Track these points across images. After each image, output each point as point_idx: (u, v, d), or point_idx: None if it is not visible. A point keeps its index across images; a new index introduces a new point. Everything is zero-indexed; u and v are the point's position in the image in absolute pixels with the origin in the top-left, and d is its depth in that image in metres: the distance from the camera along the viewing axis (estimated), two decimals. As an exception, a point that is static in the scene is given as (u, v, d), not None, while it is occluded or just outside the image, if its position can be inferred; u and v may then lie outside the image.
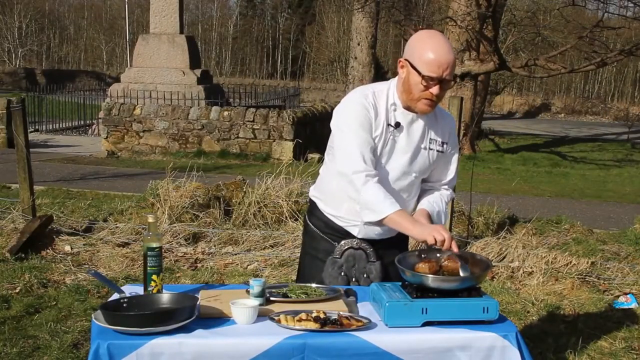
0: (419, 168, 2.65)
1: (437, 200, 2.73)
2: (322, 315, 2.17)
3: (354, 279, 2.69)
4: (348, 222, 2.67)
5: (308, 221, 2.83)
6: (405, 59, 2.52)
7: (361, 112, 2.54)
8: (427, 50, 2.45)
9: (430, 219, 2.63)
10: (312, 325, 2.12)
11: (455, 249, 2.37)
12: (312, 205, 2.82)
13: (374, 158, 2.55)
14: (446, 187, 2.81)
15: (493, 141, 17.82)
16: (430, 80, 2.46)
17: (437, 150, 2.67)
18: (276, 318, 2.17)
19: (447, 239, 2.38)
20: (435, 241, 2.39)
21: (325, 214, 2.73)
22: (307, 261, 2.83)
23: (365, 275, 2.68)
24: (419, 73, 2.46)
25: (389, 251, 2.67)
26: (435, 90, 2.48)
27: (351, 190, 2.54)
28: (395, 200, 2.54)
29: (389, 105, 2.59)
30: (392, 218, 2.48)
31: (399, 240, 2.76)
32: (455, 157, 2.77)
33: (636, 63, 36.38)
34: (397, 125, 2.57)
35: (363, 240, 2.68)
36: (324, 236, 2.74)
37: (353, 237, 2.69)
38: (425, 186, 2.78)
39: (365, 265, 2.69)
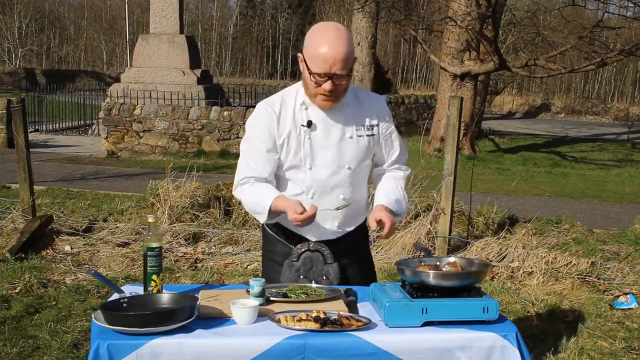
0: (352, 159, 2.58)
1: (392, 189, 2.66)
2: (322, 315, 2.17)
3: (313, 282, 2.65)
4: (300, 229, 2.63)
5: (264, 225, 2.78)
6: (302, 54, 2.48)
7: (260, 124, 2.54)
8: (315, 45, 2.39)
9: (392, 212, 2.57)
10: (312, 325, 2.12)
11: (306, 216, 2.37)
12: None
13: (264, 172, 2.55)
14: (397, 166, 2.74)
15: (493, 141, 17.81)
16: (319, 76, 2.40)
17: (367, 135, 2.60)
18: (276, 318, 2.17)
19: (305, 216, 2.37)
20: (301, 216, 2.39)
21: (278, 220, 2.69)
22: (266, 264, 2.81)
23: (324, 277, 2.64)
24: (308, 69, 2.42)
25: (347, 252, 2.64)
26: (327, 86, 2.42)
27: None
28: (330, 200, 2.56)
29: (297, 105, 2.54)
30: (274, 208, 2.46)
31: (357, 240, 2.73)
32: (394, 135, 2.70)
33: (636, 63, 36.37)
34: (309, 124, 2.52)
35: (319, 241, 2.65)
36: (280, 239, 2.71)
37: (308, 239, 2.66)
38: (377, 171, 2.74)
39: (323, 268, 2.65)
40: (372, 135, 2.61)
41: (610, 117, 30.97)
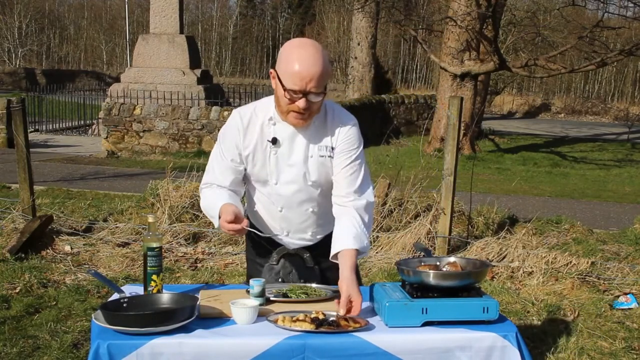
0: (316, 178, 2.54)
1: (347, 225, 2.48)
2: (320, 317, 2.17)
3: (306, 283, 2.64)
4: (275, 236, 2.65)
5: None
6: (275, 70, 2.43)
7: (228, 134, 2.56)
8: (291, 61, 2.34)
9: (356, 267, 2.49)
10: (308, 326, 2.12)
11: (232, 228, 2.37)
12: None
13: (226, 181, 2.56)
14: (354, 197, 2.53)
15: (493, 141, 17.81)
16: (294, 93, 2.36)
17: (329, 156, 2.53)
18: (273, 319, 2.17)
19: (232, 228, 2.36)
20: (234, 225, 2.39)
21: (257, 226, 2.70)
22: (248, 266, 2.83)
23: (303, 281, 2.64)
24: (283, 86, 2.37)
25: (327, 255, 2.60)
26: (301, 103, 2.37)
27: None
28: (299, 214, 2.57)
29: (266, 120, 2.51)
30: (221, 213, 2.44)
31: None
32: (356, 163, 2.53)
33: (636, 63, 36.38)
34: (274, 141, 2.49)
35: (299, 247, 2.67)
36: (261, 242, 2.71)
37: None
38: (334, 203, 2.57)
39: (303, 271, 2.66)
40: (330, 157, 2.53)
41: (610, 117, 30.96)
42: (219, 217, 2.44)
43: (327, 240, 2.61)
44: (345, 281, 2.32)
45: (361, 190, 2.54)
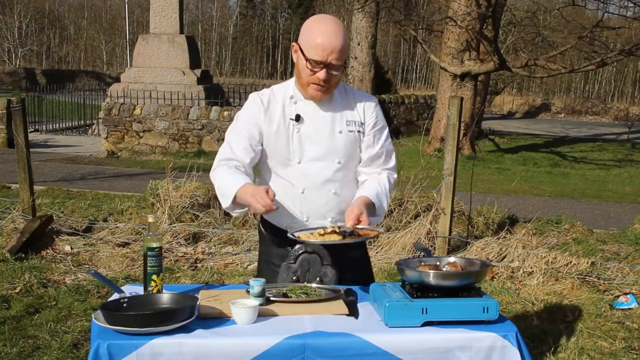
0: (342, 153, 2.58)
1: (373, 185, 2.61)
2: (337, 230, 2.28)
3: (306, 283, 2.64)
4: (292, 227, 2.61)
5: (261, 227, 2.78)
6: (297, 43, 2.52)
7: (248, 113, 2.56)
8: (314, 34, 2.45)
9: (372, 205, 2.54)
10: (336, 237, 2.24)
11: (267, 205, 2.32)
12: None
13: (245, 160, 2.51)
14: (380, 170, 2.68)
15: (493, 141, 17.81)
16: (316, 63, 2.44)
17: (358, 131, 2.60)
18: (295, 235, 2.28)
19: (265, 205, 2.32)
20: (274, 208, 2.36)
21: (273, 223, 2.69)
22: (262, 266, 2.80)
23: (318, 279, 2.64)
24: (305, 56, 2.46)
25: (343, 253, 2.62)
26: (322, 74, 2.45)
27: None
28: (321, 195, 2.55)
29: (287, 98, 2.57)
30: (239, 194, 2.41)
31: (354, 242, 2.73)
32: (384, 137, 2.66)
33: (636, 63, 36.39)
34: (298, 117, 2.54)
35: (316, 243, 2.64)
36: (277, 241, 2.69)
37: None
38: (362, 173, 2.67)
39: (320, 269, 2.65)
40: (360, 132, 2.61)
41: (610, 117, 30.97)
42: (235, 198, 2.41)
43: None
44: (356, 202, 2.47)
45: (390, 166, 2.70)
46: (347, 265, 2.66)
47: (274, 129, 2.54)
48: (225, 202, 2.47)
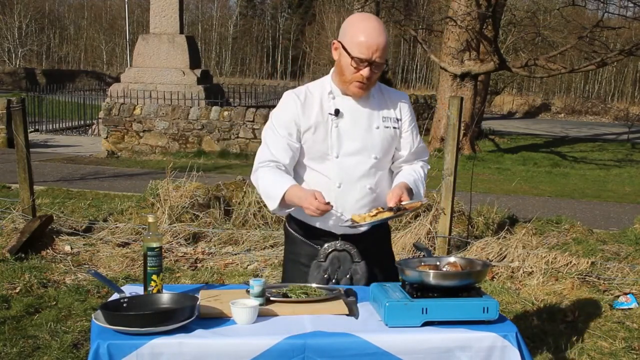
0: (379, 149, 2.61)
1: (410, 172, 2.69)
2: (382, 209, 2.42)
3: (334, 280, 2.65)
4: (325, 223, 2.63)
5: (288, 227, 2.79)
6: (338, 41, 2.53)
7: (285, 112, 2.57)
8: (358, 32, 2.46)
9: (410, 191, 2.59)
10: (389, 214, 2.39)
11: (323, 208, 2.36)
12: (289, 213, 2.75)
13: (284, 159, 2.53)
14: (415, 160, 2.76)
15: (493, 141, 17.82)
16: (360, 61, 2.46)
17: (393, 127, 2.64)
18: (346, 219, 2.41)
19: (319, 204, 2.35)
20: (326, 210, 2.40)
21: (299, 219, 2.69)
22: (289, 267, 2.79)
23: (348, 276, 2.65)
24: (349, 54, 2.47)
25: (372, 250, 2.65)
26: (365, 72, 2.48)
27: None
28: (357, 190, 2.57)
29: (325, 94, 2.59)
30: (287, 196, 2.44)
31: (382, 237, 2.75)
32: (415, 132, 2.73)
33: (636, 63, 36.39)
34: (337, 112, 2.56)
35: (347, 241, 2.65)
36: (306, 240, 2.70)
37: (336, 238, 2.65)
38: (396, 165, 2.74)
39: (350, 266, 2.66)
40: (396, 128, 2.65)
41: (610, 117, 30.97)
42: (281, 200, 2.45)
43: (374, 232, 2.65)
44: (395, 186, 2.56)
45: (425, 158, 2.81)
46: (375, 262, 2.69)
47: (312, 124, 2.55)
48: (272, 205, 2.50)
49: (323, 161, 2.58)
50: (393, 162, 2.73)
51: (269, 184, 2.50)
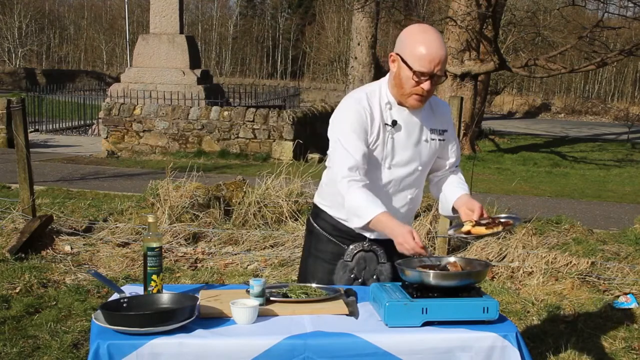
0: (424, 160, 2.65)
1: (459, 182, 2.75)
2: (475, 223, 2.48)
3: (359, 280, 2.67)
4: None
5: (314, 223, 2.78)
6: (397, 54, 2.49)
7: (355, 119, 2.52)
8: (418, 45, 2.43)
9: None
10: (498, 228, 2.45)
11: (418, 249, 2.37)
12: (318, 209, 2.77)
13: (364, 165, 2.51)
14: (454, 169, 2.83)
15: (493, 141, 17.82)
16: (422, 75, 2.44)
17: (439, 140, 2.67)
18: (455, 231, 2.51)
19: (415, 246, 2.36)
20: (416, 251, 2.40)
21: (336, 218, 2.70)
22: (310, 262, 2.79)
23: (374, 277, 2.68)
24: (410, 68, 2.44)
25: (397, 250, 2.65)
26: (426, 85, 2.46)
27: (340, 197, 2.53)
28: (399, 199, 2.61)
29: (383, 104, 2.57)
30: (377, 220, 2.43)
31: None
32: (455, 141, 2.79)
33: (636, 63, 36.38)
34: (394, 123, 2.56)
35: (374, 241, 2.67)
36: (332, 239, 2.71)
37: (363, 239, 2.66)
38: (436, 175, 2.81)
39: (376, 267, 2.68)
40: (442, 140, 2.68)
41: (610, 117, 30.98)
42: (367, 223, 2.45)
43: None
44: (468, 198, 2.64)
45: (456, 163, 2.85)
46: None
47: (374, 133, 2.55)
48: (357, 223, 2.48)
49: (374, 169, 2.59)
50: (434, 171, 2.79)
51: (361, 203, 2.46)
